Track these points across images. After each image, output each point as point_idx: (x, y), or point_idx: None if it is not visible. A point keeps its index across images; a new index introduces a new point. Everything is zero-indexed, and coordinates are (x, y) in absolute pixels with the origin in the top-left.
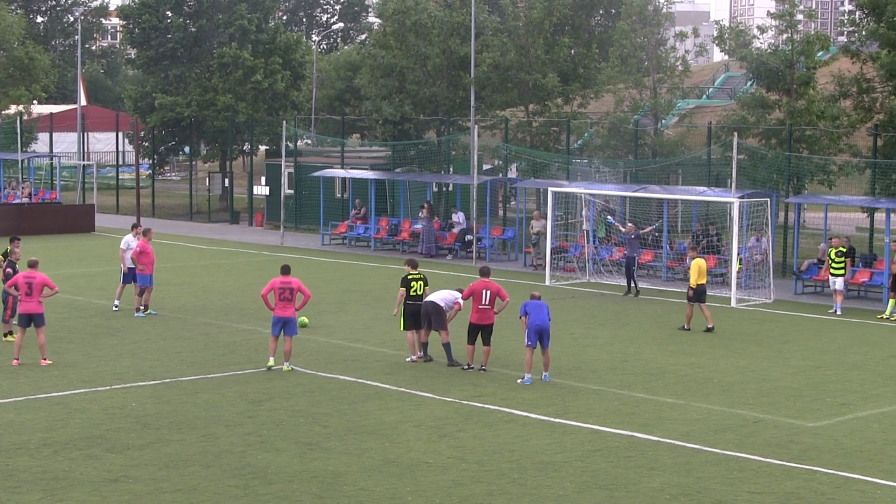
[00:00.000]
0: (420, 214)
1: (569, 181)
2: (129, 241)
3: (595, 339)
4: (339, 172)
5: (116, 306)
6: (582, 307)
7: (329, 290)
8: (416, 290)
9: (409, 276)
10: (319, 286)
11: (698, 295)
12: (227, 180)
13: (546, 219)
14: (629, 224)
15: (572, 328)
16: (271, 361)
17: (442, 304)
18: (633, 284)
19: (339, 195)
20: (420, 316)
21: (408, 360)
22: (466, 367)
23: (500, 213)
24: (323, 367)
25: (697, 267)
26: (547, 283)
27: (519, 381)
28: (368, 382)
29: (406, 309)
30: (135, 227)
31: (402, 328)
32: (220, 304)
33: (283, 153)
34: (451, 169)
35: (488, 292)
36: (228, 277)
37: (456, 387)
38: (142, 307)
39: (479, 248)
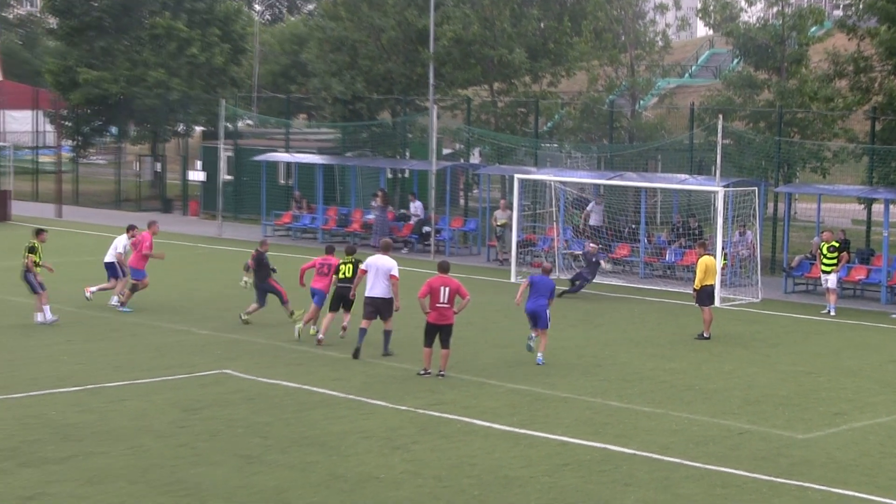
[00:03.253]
0: (373, 203)
1: (537, 167)
2: (125, 244)
3: (565, 342)
4: (283, 157)
5: (121, 303)
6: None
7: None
8: (344, 273)
9: (342, 262)
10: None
11: (703, 297)
12: (158, 165)
13: (512, 209)
14: (591, 245)
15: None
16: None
17: (388, 296)
18: (573, 287)
19: (283, 182)
20: (343, 299)
21: (317, 336)
22: (423, 372)
23: (462, 202)
24: (264, 372)
25: (704, 266)
26: (512, 279)
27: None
28: (314, 389)
29: (336, 291)
30: (131, 228)
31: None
32: (150, 301)
33: (222, 135)
34: (408, 153)
35: (447, 290)
36: (160, 272)
37: (411, 394)
38: (119, 297)
39: (438, 240)
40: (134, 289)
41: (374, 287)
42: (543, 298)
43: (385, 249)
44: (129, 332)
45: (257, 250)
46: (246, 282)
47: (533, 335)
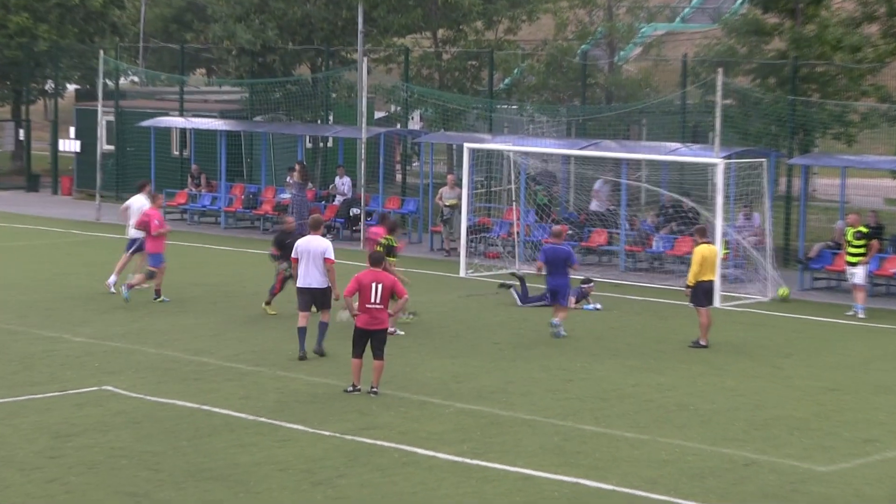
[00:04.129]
0: (288, 180)
1: (492, 135)
2: (142, 204)
3: (528, 351)
4: (177, 122)
5: (116, 287)
6: (510, 308)
7: (167, 286)
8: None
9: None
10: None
11: (698, 296)
12: (21, 132)
13: (461, 187)
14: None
15: (496, 334)
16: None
17: (325, 285)
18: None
19: (176, 153)
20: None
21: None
22: (351, 388)
23: (399, 177)
24: (154, 389)
25: (701, 257)
26: (462, 273)
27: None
28: (216, 410)
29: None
30: (143, 186)
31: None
32: (12, 302)
33: (101, 95)
34: (332, 118)
35: (379, 287)
36: (24, 266)
37: (336, 416)
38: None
39: (370, 224)
40: (151, 276)
41: (308, 275)
42: (563, 276)
43: (315, 227)
44: None
45: (282, 230)
46: (285, 268)
47: (555, 321)
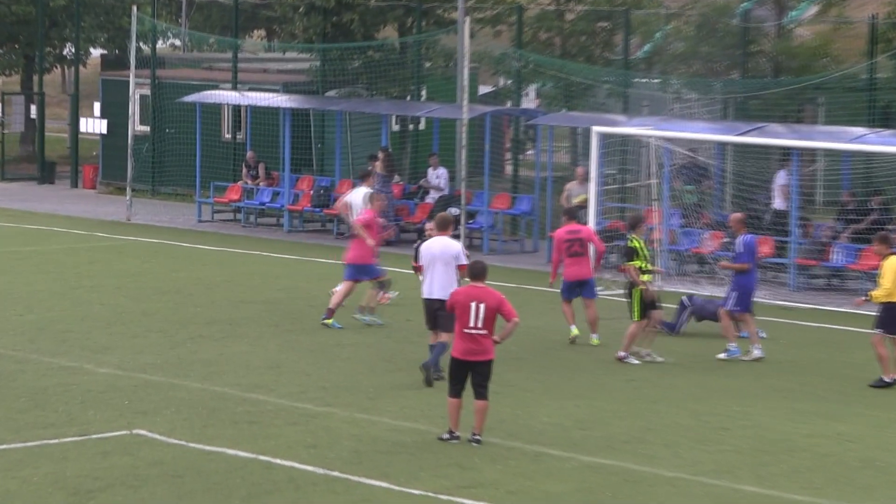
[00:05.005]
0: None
1: (627, 116)
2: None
3: (671, 391)
4: (228, 97)
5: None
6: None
7: (210, 303)
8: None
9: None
10: (193, 294)
11: (888, 321)
12: (33, 108)
13: (590, 181)
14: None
15: (631, 368)
16: (574, 331)
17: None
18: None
19: (228, 136)
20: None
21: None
22: (447, 435)
23: (509, 170)
24: (198, 434)
25: (895, 272)
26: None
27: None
28: (277, 461)
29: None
30: (367, 176)
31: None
32: (19, 323)
33: (133, 62)
34: (424, 93)
35: (482, 307)
36: (35, 277)
37: (429, 470)
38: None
39: (472, 228)
40: (382, 287)
41: (434, 284)
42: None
43: (443, 227)
44: None
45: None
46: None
47: (573, 325)
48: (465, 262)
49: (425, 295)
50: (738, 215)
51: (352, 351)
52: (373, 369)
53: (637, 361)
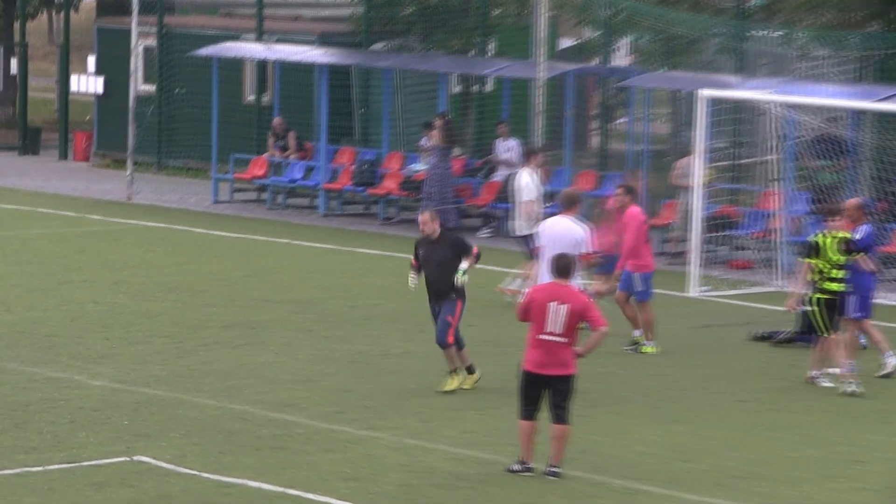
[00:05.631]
0: (424, 143)
1: (742, 76)
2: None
3: (793, 415)
4: (252, 50)
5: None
6: (769, 348)
7: (228, 302)
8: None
9: None
10: (207, 291)
11: None
12: (13, 62)
13: (696, 156)
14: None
15: (743, 387)
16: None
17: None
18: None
19: (251, 98)
20: None
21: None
22: (518, 466)
23: (595, 142)
24: (213, 462)
25: None
26: (691, 291)
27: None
28: (309, 496)
29: None
30: (536, 154)
31: None
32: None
33: (136, 7)
34: (492, 47)
35: (563, 310)
36: (14, 269)
37: None
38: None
39: (550, 213)
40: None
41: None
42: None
43: (569, 205)
44: None
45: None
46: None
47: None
48: (589, 250)
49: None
50: (855, 201)
51: (400, 362)
52: (426, 385)
53: (830, 384)
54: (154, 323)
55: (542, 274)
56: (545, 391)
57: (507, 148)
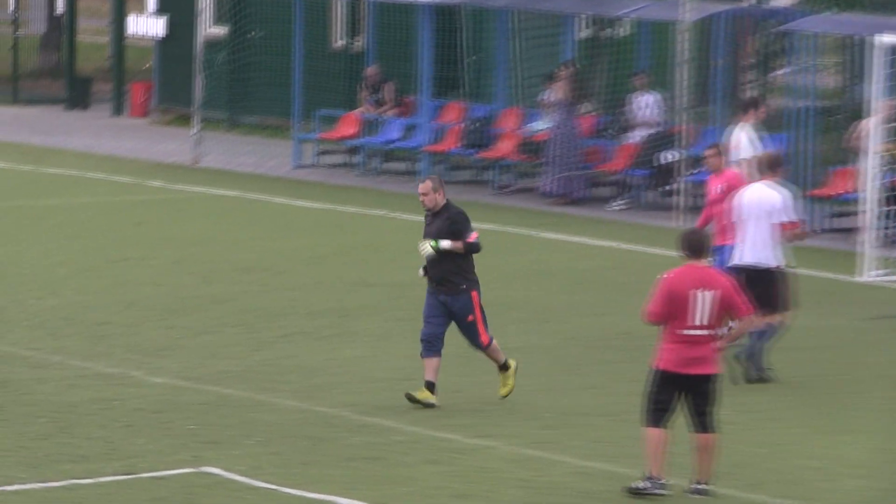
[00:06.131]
0: (546, 97)
1: None
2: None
3: None
4: None
5: None
6: None
7: (313, 285)
8: None
9: None
10: (288, 273)
11: None
12: (59, 0)
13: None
14: None
15: None
16: None
17: (773, 263)
18: None
19: (340, 43)
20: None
21: None
22: (648, 483)
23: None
24: (295, 475)
25: None
26: (864, 275)
27: None
28: None
29: None
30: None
31: None
32: (35, 310)
33: None
34: None
35: (709, 297)
36: (59, 245)
37: None
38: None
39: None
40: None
41: (747, 246)
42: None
43: (772, 168)
44: None
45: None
46: None
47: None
48: (793, 218)
49: (736, 261)
50: None
51: (517, 358)
52: (549, 385)
53: None
54: (225, 309)
55: (741, 248)
56: (683, 395)
57: (644, 103)
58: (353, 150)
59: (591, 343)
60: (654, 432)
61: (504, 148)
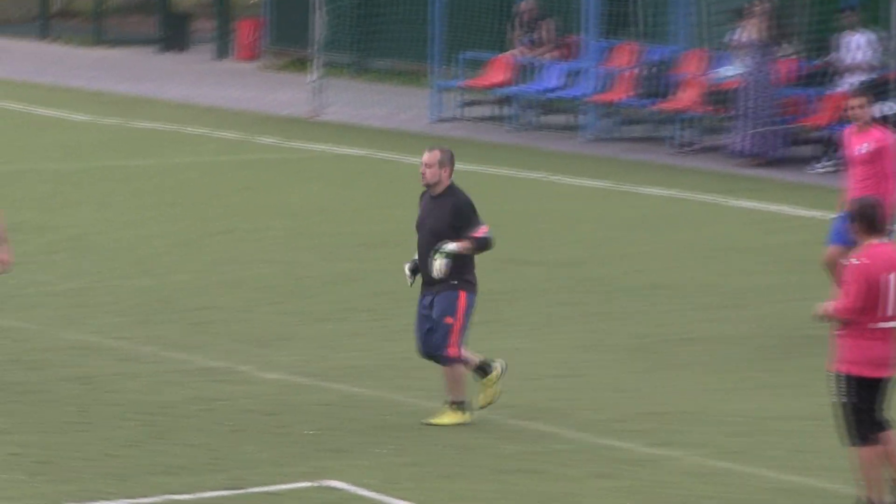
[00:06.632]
0: (734, 37)
1: None
2: None
3: None
4: None
5: None
6: None
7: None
8: None
9: None
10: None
11: None
12: None
13: None
14: None
15: None
16: None
17: None
18: None
19: None
20: None
21: None
22: None
23: None
24: (436, 491)
25: None
26: None
27: None
28: None
29: None
30: None
31: None
32: (126, 292)
33: None
34: None
35: None
36: (152, 216)
37: None
38: None
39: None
40: None
41: None
42: None
43: None
44: (70, 377)
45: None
46: None
47: None
48: None
49: None
50: None
51: (703, 350)
52: (742, 383)
53: None
54: (351, 291)
55: None
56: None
57: (854, 45)
58: (504, 101)
59: (790, 333)
60: (866, 451)
61: (686, 98)
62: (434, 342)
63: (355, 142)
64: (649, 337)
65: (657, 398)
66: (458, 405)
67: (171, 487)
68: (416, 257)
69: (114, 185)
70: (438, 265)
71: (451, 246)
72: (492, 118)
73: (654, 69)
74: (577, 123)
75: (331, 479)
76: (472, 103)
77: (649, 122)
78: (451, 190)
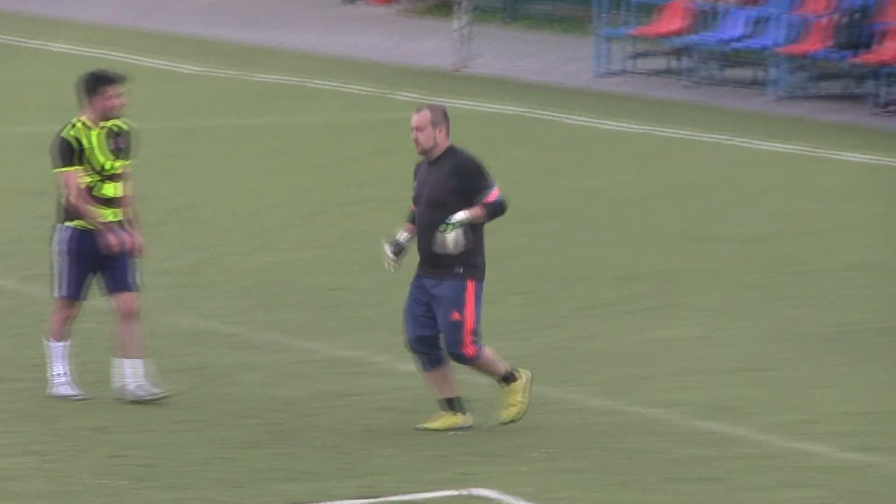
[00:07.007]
0: None
1: None
2: None
3: None
4: None
5: None
6: None
7: (620, 238)
8: None
9: None
10: (590, 220)
11: None
12: None
13: None
14: None
15: None
16: None
17: None
18: None
19: None
20: None
21: None
22: None
23: None
24: (603, 501)
25: None
26: None
27: None
28: None
29: None
30: None
31: None
32: (244, 270)
33: None
34: None
35: None
36: (272, 182)
37: None
38: None
39: None
40: None
41: None
42: None
43: None
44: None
45: None
46: None
47: None
48: None
49: None
50: None
51: None
52: None
53: None
54: (502, 272)
55: None
56: None
57: None
58: (680, 52)
59: None
60: None
61: (890, 50)
62: (448, 345)
63: (508, 99)
64: (848, 325)
65: (856, 396)
66: (508, 378)
67: (293, 495)
68: (399, 235)
69: (229, 148)
70: (452, 238)
71: (460, 215)
72: (666, 72)
73: (855, 16)
74: (764, 78)
75: (479, 486)
76: (643, 54)
77: (848, 78)
78: (451, 151)
